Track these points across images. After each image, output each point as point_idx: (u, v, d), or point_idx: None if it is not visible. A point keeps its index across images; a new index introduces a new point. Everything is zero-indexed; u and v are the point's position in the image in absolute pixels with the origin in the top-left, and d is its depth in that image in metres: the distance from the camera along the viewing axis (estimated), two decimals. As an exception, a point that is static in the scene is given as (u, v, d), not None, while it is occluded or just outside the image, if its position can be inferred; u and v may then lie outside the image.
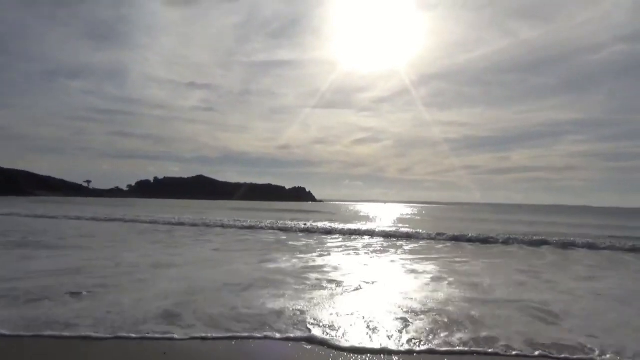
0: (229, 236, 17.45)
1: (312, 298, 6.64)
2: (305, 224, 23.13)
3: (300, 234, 18.83)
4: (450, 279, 8.57)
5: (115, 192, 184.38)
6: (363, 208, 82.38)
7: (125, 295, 6.53)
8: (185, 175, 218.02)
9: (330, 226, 21.23)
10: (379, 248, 14.26)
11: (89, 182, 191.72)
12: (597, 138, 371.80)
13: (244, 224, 22.81)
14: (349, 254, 12.52)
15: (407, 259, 11.58)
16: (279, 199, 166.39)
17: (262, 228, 21.17)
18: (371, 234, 18.09)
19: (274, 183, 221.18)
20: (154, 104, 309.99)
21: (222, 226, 21.54)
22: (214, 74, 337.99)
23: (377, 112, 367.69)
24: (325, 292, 7.09)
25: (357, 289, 7.41)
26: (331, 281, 8.04)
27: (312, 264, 10.25)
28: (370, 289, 7.48)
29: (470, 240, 16.36)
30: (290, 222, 24.96)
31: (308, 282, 7.90)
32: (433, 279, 8.56)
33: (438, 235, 17.48)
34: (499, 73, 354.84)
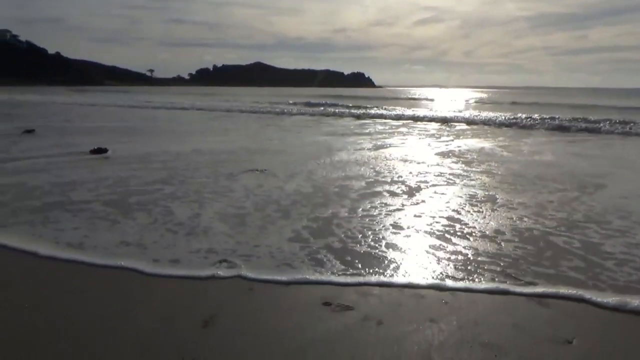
0: (342, 121, 17.78)
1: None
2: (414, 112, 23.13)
3: (425, 122, 17.97)
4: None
5: (178, 81, 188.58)
6: (432, 94, 77.04)
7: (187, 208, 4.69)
8: (243, 63, 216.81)
9: (453, 114, 20.31)
10: (511, 134, 13.83)
11: (152, 71, 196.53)
12: None
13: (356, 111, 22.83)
14: (494, 139, 12.32)
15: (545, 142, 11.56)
16: (339, 85, 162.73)
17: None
18: (490, 122, 17.15)
19: (331, 68, 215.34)
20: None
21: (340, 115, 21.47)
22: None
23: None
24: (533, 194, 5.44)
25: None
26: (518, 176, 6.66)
27: (473, 148, 10.13)
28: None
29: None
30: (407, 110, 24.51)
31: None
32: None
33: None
34: None
